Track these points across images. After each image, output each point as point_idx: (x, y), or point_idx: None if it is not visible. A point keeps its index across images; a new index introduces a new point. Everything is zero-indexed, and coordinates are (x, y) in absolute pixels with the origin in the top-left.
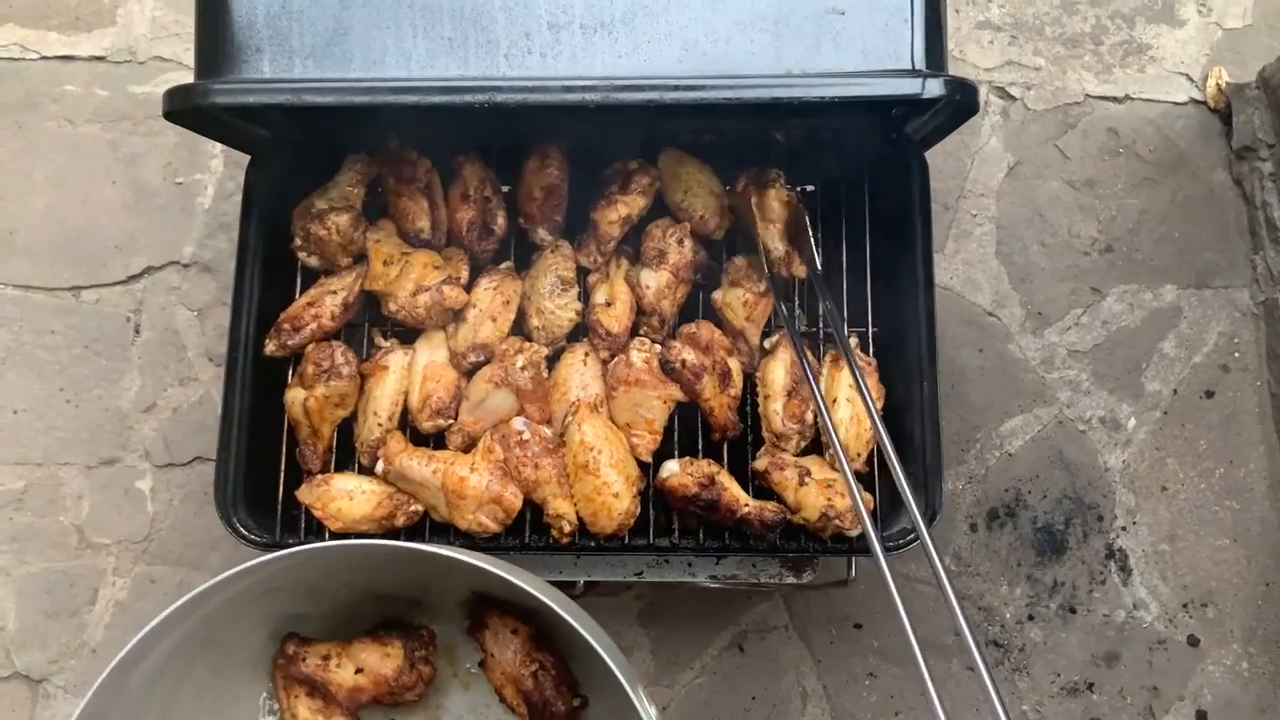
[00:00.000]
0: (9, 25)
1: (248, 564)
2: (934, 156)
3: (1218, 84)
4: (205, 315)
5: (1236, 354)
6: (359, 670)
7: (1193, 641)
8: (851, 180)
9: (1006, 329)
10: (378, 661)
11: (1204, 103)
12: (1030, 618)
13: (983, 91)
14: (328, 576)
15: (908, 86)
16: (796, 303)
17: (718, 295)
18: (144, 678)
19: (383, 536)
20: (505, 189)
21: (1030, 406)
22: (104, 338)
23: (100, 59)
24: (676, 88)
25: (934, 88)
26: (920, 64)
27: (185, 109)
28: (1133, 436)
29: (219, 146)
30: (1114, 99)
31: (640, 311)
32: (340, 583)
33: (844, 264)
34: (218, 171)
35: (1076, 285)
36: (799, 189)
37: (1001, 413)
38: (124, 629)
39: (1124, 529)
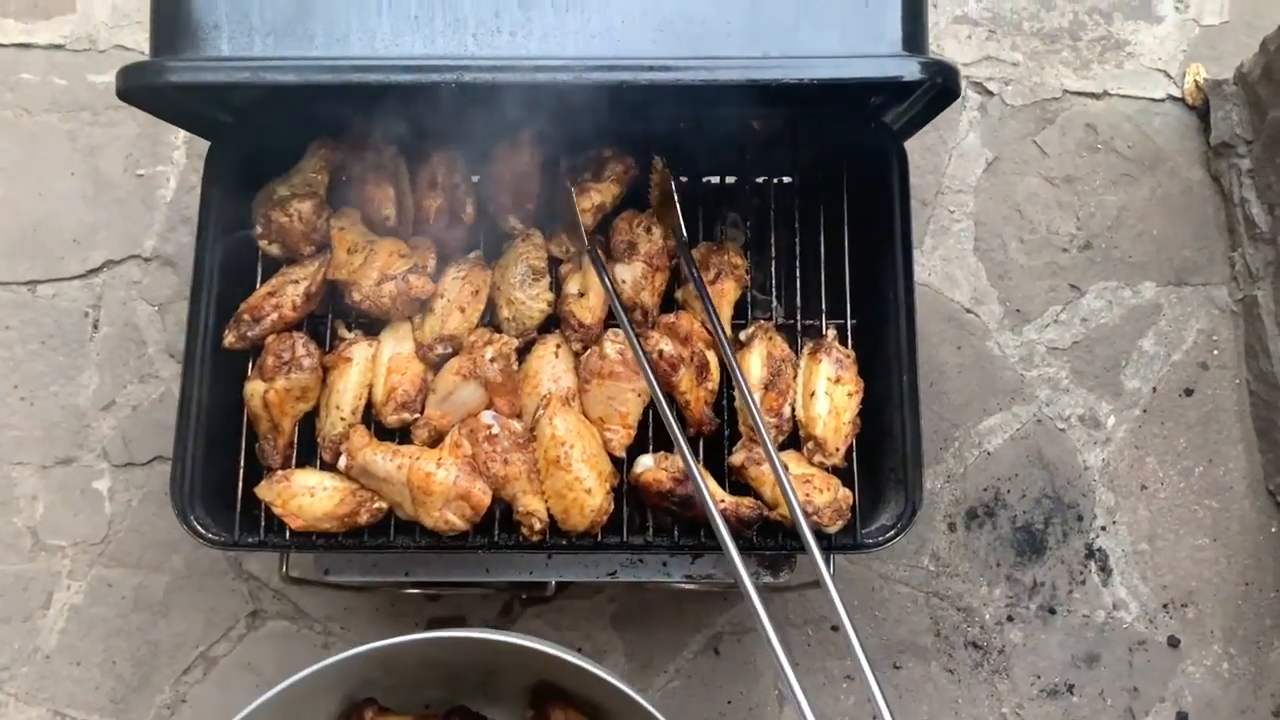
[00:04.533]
0: None
1: (346, 654)
2: (911, 152)
3: (1195, 81)
4: (166, 310)
5: (1215, 351)
6: None
7: (1173, 642)
8: (829, 171)
9: (985, 326)
10: None
11: (1182, 99)
12: (1010, 619)
13: (961, 85)
14: (406, 649)
15: (889, 68)
16: (774, 294)
17: (679, 294)
18: None
19: (350, 535)
20: (475, 179)
21: (1009, 404)
22: (61, 333)
23: (59, 47)
24: (651, 68)
25: (914, 70)
26: (901, 47)
27: (140, 87)
28: (1112, 435)
29: (181, 137)
30: (1092, 95)
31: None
32: (416, 656)
33: (822, 256)
34: (180, 163)
35: (1055, 282)
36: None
37: (980, 411)
38: (79, 634)
39: (1104, 528)
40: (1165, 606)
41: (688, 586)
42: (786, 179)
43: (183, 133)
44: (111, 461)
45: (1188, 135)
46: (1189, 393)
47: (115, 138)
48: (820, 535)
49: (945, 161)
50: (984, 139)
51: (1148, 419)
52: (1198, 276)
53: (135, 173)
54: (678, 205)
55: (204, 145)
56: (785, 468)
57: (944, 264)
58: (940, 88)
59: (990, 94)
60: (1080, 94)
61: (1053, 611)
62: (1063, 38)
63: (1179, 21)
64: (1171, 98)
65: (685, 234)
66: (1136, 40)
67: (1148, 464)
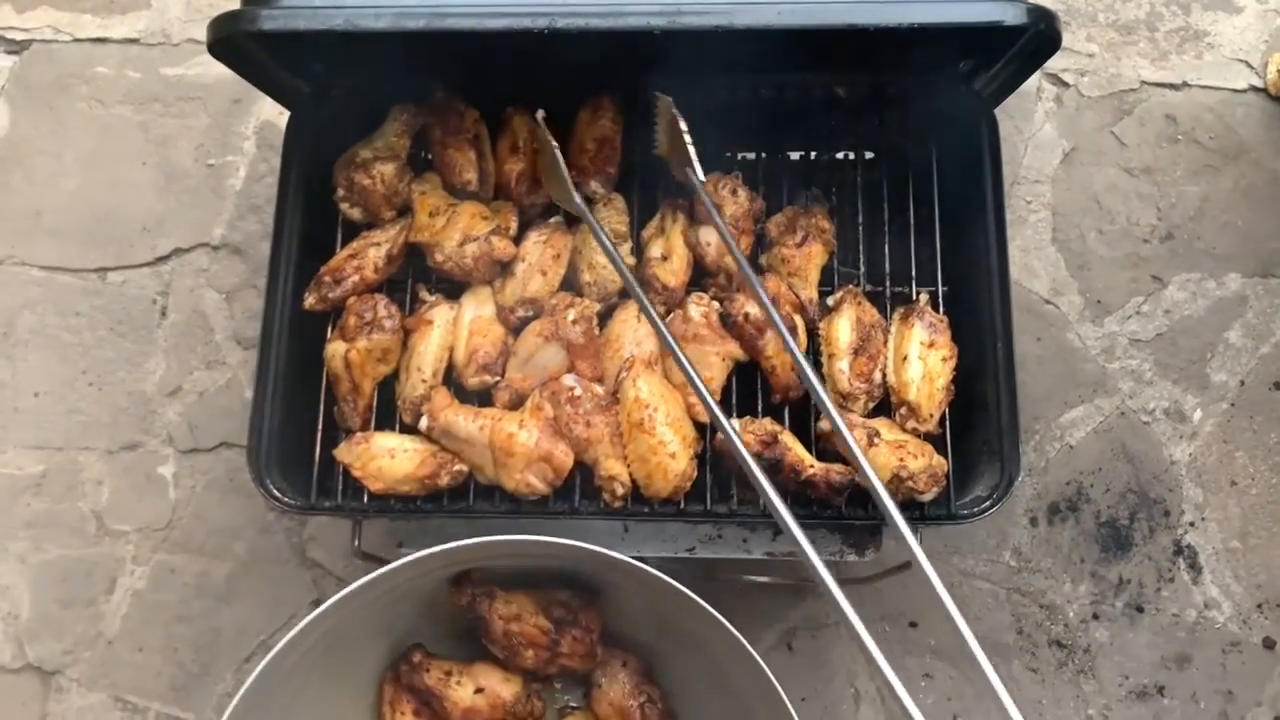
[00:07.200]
0: (43, 8)
1: (400, 562)
2: None
3: (1278, 71)
4: (234, 298)
5: None
6: (478, 690)
7: (1268, 644)
8: (915, 142)
9: (1065, 317)
10: (498, 685)
11: (1264, 90)
12: (1095, 616)
13: (1035, 77)
14: (487, 552)
15: (991, 12)
16: (862, 258)
17: (763, 258)
18: (276, 683)
19: (428, 500)
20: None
21: (1091, 397)
22: (129, 320)
23: (133, 41)
24: (750, 8)
25: (1018, 13)
26: None
27: (230, 36)
28: (1199, 429)
29: (251, 126)
30: (1171, 86)
31: (705, 273)
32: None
33: (911, 224)
34: (250, 153)
35: (1137, 273)
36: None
37: (1061, 403)
38: (141, 619)
39: (1192, 525)
40: (1259, 607)
41: (760, 580)
42: (869, 154)
43: (252, 122)
44: (177, 447)
45: (1272, 126)
46: (1279, 387)
47: (186, 129)
48: (913, 504)
49: (1021, 152)
50: (1060, 130)
51: (1236, 413)
52: None
53: (205, 163)
54: (688, 141)
55: (275, 136)
56: (854, 431)
57: (1022, 254)
58: (1041, 34)
59: (1066, 85)
60: (1159, 85)
61: (1140, 610)
62: (1139, 29)
63: (1259, 12)
64: (1254, 88)
65: (701, 174)
66: (1216, 31)
67: (1237, 459)
